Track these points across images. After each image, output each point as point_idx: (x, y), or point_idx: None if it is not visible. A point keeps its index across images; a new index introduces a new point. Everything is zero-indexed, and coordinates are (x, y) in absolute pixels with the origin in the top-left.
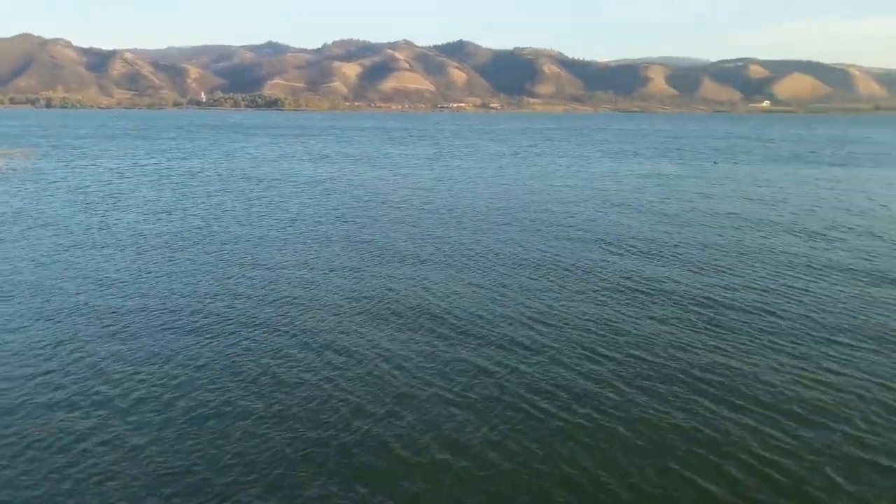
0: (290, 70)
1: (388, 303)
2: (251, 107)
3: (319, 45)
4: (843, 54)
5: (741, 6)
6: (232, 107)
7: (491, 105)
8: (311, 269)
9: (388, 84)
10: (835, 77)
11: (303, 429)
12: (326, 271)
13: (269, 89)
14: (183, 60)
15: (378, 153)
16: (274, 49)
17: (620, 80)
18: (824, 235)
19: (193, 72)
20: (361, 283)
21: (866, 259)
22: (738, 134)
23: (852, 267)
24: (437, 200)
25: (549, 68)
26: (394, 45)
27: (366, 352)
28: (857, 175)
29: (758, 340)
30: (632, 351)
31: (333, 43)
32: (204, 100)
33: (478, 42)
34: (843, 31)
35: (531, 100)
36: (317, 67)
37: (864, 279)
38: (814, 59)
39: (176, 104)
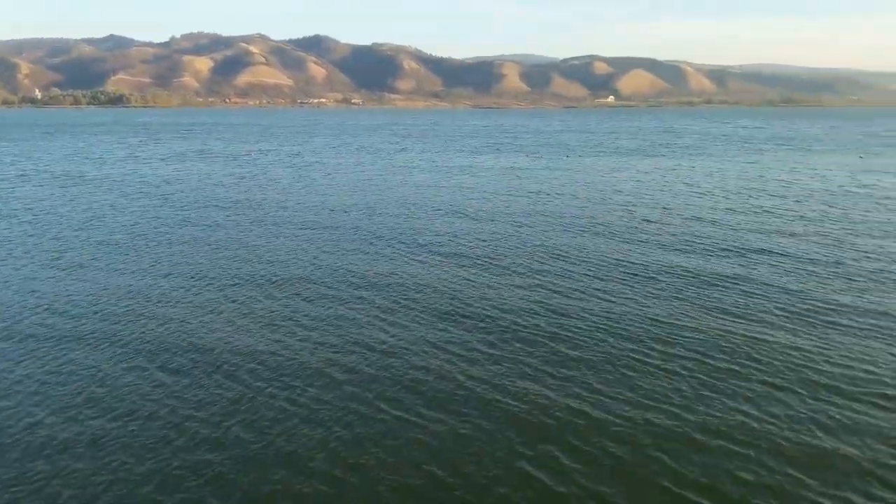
0: (136, 65)
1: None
2: (94, 104)
3: (167, 39)
4: (678, 52)
5: (588, 7)
6: (72, 104)
7: (352, 100)
8: (146, 274)
9: (244, 79)
10: (670, 73)
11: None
12: (162, 276)
13: (113, 85)
14: (11, 54)
15: (230, 151)
16: (116, 42)
17: (477, 76)
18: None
19: (25, 67)
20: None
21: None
22: (591, 129)
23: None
24: (292, 200)
25: (408, 64)
26: (248, 39)
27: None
28: (672, 164)
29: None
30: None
31: (182, 36)
32: (39, 97)
33: (336, 37)
34: (677, 31)
35: (392, 96)
36: (165, 62)
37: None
38: (652, 56)
39: (6, 102)
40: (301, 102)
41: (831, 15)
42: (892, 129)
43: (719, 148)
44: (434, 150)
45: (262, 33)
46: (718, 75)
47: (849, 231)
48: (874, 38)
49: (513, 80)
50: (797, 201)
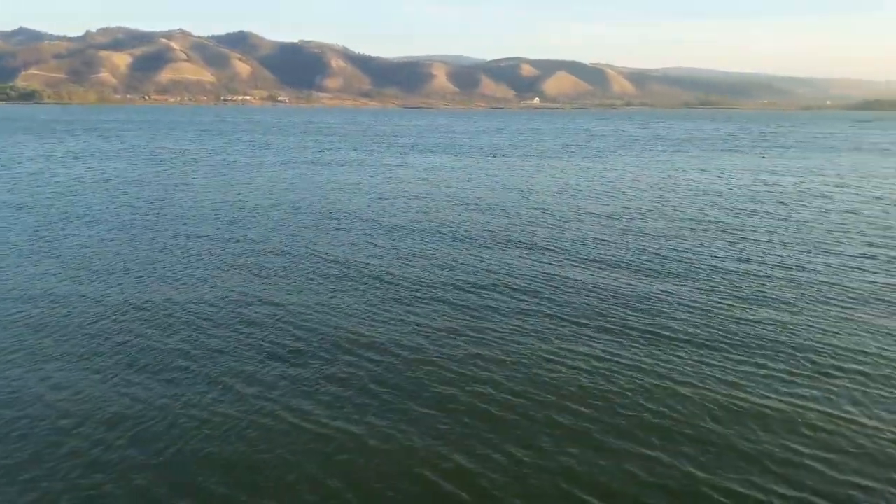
0: (49, 59)
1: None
2: (3, 100)
3: (82, 33)
4: (601, 55)
5: (514, 10)
6: None
7: (279, 98)
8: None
9: (165, 75)
10: (593, 76)
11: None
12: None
13: (24, 80)
14: None
15: (139, 148)
16: (28, 36)
17: (406, 76)
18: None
19: None
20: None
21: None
22: (514, 129)
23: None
24: (188, 198)
25: (336, 63)
26: (169, 35)
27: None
28: (585, 164)
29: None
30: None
31: (98, 31)
32: None
33: (261, 34)
34: (599, 34)
35: (320, 94)
36: (80, 57)
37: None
38: (575, 59)
39: None
40: (225, 100)
41: (746, 20)
42: (793, 130)
43: (635, 149)
44: (364, 149)
45: (185, 29)
46: (639, 78)
47: (737, 225)
48: (785, 44)
49: (441, 80)
50: (701, 197)
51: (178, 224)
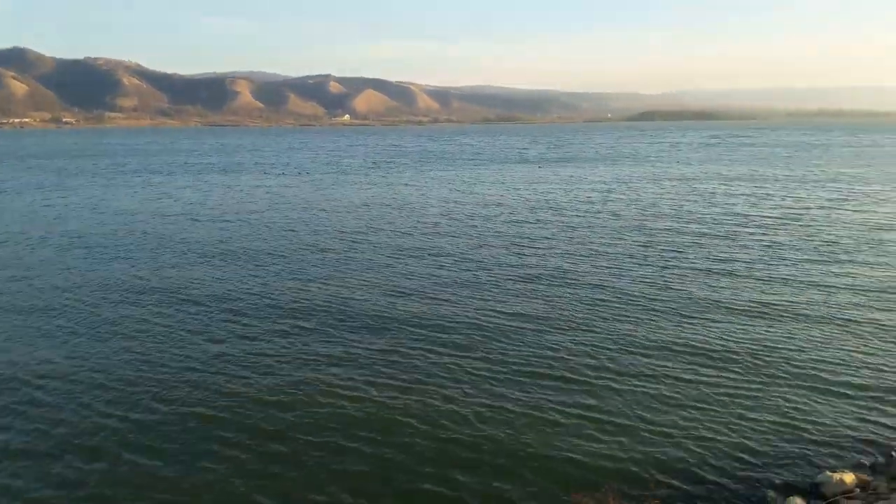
0: None
1: None
2: None
3: None
4: (405, 74)
5: (323, 28)
6: None
7: (64, 120)
8: None
9: None
10: (400, 93)
11: None
12: None
13: None
14: None
15: None
16: None
17: (208, 93)
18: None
19: None
20: None
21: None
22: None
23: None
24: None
25: (129, 80)
26: None
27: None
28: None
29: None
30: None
31: None
32: None
33: (41, 51)
34: (404, 52)
35: (112, 114)
36: None
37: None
38: (381, 77)
39: None
40: None
41: (539, 41)
42: (571, 141)
43: (438, 164)
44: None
45: None
46: (442, 96)
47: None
48: (574, 63)
49: (247, 97)
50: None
51: None
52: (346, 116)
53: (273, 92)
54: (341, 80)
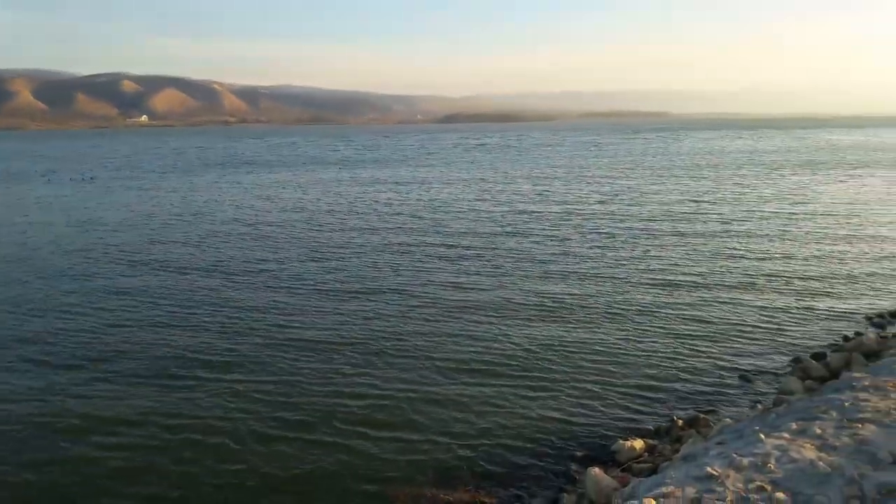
0: None
1: None
2: None
3: None
4: (213, 72)
5: (114, 23)
6: None
7: None
8: None
9: None
10: (203, 93)
11: None
12: None
13: None
14: None
15: None
16: None
17: None
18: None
19: None
20: None
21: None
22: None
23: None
24: None
25: None
26: None
27: None
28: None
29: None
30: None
31: None
32: None
33: None
34: (208, 51)
35: None
36: None
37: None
38: (182, 75)
39: None
40: None
41: (353, 42)
42: (368, 144)
43: (242, 169)
44: None
45: None
46: (250, 95)
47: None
48: (385, 64)
49: (27, 97)
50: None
51: None
52: (144, 117)
53: (58, 91)
54: (136, 79)
